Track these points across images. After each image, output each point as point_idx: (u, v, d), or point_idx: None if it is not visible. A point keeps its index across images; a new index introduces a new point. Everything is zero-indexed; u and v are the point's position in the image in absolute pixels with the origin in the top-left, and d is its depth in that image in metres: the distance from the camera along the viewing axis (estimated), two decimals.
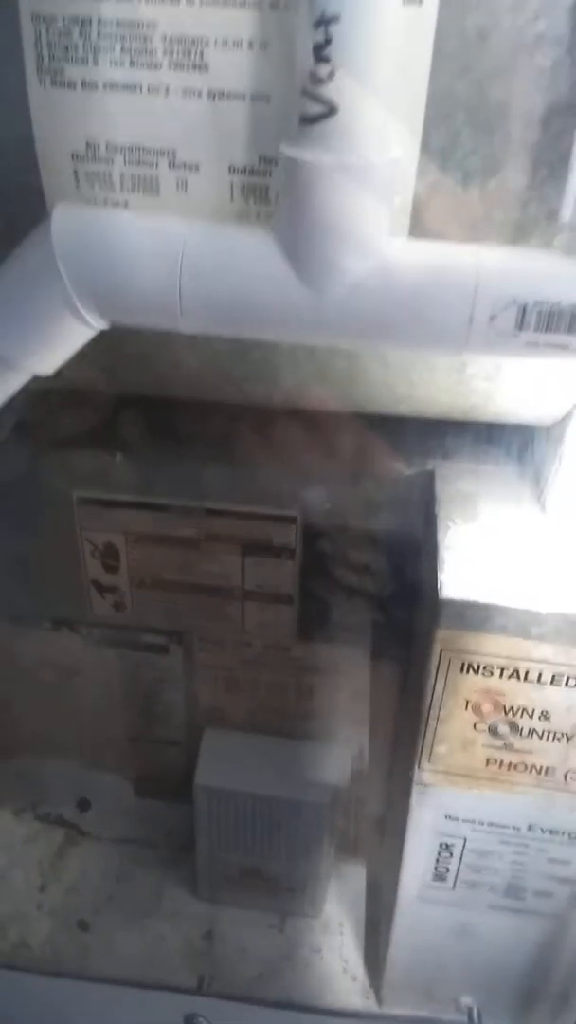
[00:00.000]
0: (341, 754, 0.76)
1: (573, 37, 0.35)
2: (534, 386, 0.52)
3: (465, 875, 0.61)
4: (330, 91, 0.33)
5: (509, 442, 0.64)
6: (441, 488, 0.62)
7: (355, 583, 0.69)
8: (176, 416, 0.64)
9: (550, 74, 0.36)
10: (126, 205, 0.42)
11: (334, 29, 0.32)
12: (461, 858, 0.61)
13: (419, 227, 0.41)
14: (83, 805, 0.91)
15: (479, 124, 0.37)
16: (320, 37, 0.32)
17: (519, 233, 0.40)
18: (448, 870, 0.61)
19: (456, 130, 0.37)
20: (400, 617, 0.68)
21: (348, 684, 0.76)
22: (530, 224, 0.40)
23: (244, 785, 0.75)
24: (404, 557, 0.67)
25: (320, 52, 0.32)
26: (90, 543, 0.74)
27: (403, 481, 0.65)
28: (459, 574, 0.53)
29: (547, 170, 0.38)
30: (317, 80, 0.33)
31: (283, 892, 0.81)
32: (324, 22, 0.32)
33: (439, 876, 0.62)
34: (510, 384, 0.51)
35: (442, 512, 0.59)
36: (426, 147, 0.37)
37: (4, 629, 0.79)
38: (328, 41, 0.32)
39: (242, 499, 0.69)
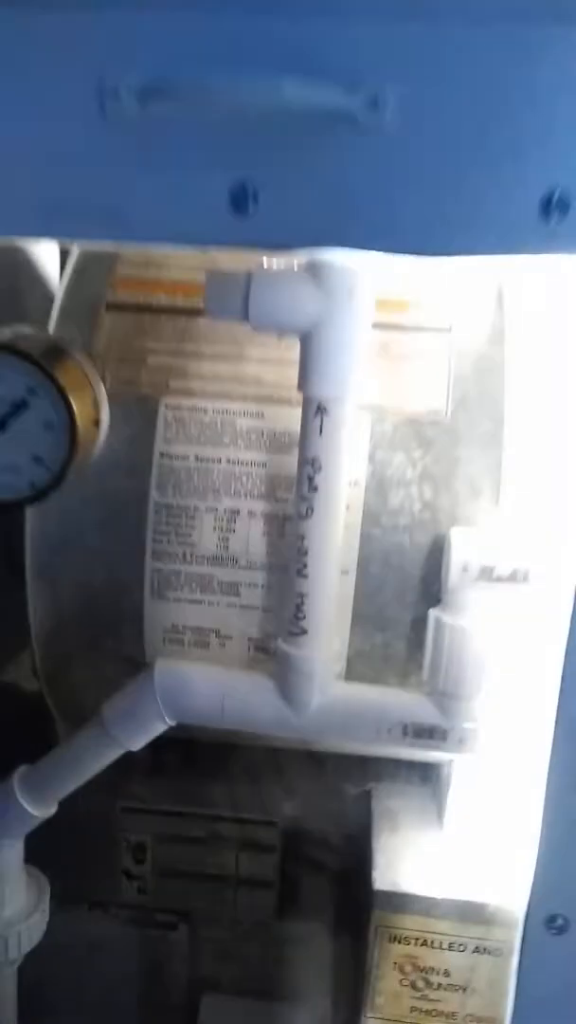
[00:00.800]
0: (313, 1012, 0.99)
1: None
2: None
3: None
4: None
5: (424, 771, 0.95)
6: (376, 805, 0.92)
7: (318, 873, 0.97)
8: (196, 751, 0.94)
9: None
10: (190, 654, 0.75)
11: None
12: None
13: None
14: None
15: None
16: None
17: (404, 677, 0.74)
18: None
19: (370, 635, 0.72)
20: (353, 899, 0.95)
21: (316, 952, 1.00)
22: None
23: None
24: (352, 854, 0.95)
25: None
26: (125, 841, 1.01)
27: (350, 798, 0.95)
28: (386, 871, 0.82)
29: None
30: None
31: None
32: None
33: None
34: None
35: (375, 824, 0.89)
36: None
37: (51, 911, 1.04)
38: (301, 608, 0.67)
39: (239, 808, 0.98)
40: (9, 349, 0.59)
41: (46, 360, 0.60)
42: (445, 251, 0.51)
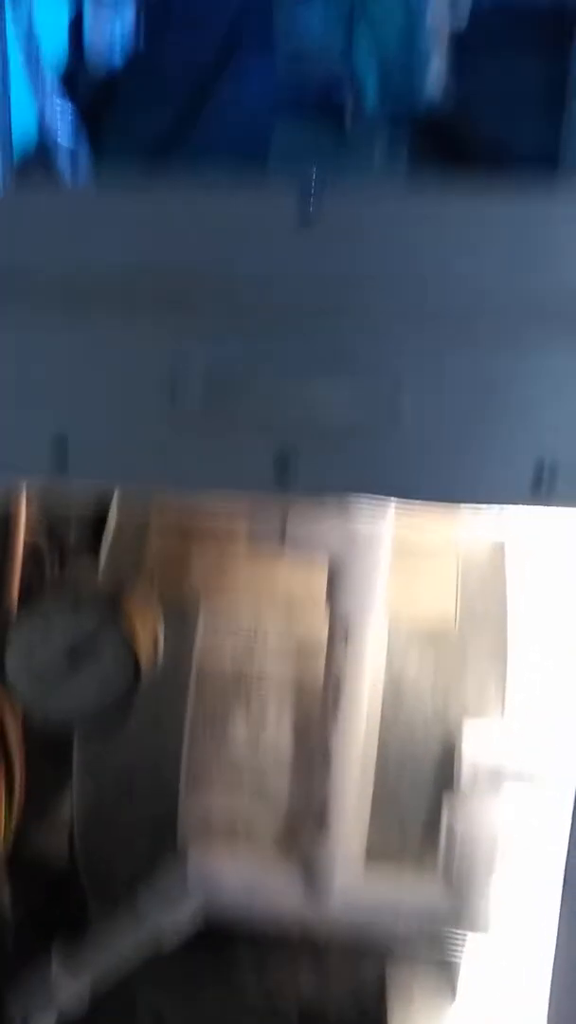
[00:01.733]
0: None
1: None
2: None
3: None
4: None
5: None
6: (390, 978, 0.95)
7: None
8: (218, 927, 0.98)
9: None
10: None
11: None
12: None
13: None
14: None
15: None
16: None
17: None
18: None
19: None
20: None
21: None
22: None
23: None
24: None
25: None
26: (147, 1013, 1.03)
27: (366, 971, 0.98)
28: None
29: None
30: None
31: None
32: None
33: None
34: None
35: (390, 996, 0.92)
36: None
37: None
38: None
39: (260, 981, 1.00)
40: (85, 600, 0.69)
41: (115, 607, 0.70)
42: (453, 506, 0.60)
